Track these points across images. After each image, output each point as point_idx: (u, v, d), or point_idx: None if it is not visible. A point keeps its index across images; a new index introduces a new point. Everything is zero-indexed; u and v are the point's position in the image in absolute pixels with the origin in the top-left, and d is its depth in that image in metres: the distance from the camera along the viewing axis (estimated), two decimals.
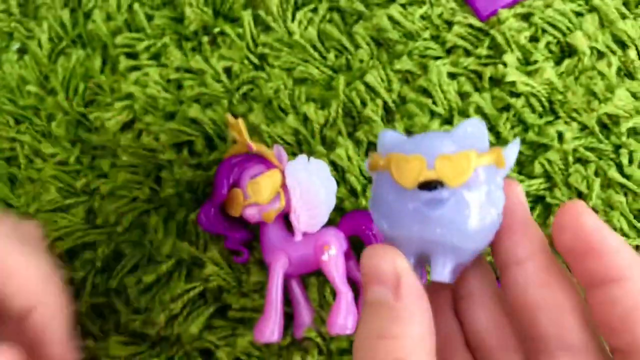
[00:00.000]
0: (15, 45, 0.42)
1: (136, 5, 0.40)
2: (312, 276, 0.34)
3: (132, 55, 0.40)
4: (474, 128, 0.19)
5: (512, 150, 0.20)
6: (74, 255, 0.36)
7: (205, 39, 0.39)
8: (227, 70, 0.38)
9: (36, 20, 0.42)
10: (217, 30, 0.39)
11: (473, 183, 0.18)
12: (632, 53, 0.35)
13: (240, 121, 0.34)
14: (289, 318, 0.33)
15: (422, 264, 0.20)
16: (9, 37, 0.42)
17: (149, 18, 0.40)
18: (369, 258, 0.19)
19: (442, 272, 0.19)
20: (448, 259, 0.19)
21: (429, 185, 0.18)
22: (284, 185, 0.33)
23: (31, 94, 0.40)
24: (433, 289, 0.22)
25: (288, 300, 0.33)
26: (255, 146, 0.34)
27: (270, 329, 0.31)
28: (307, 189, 0.33)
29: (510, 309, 0.20)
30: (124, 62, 0.39)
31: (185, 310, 0.34)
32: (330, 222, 0.33)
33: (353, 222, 0.33)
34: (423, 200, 0.19)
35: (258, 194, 0.32)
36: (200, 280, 0.34)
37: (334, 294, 0.33)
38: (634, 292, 0.17)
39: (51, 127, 0.39)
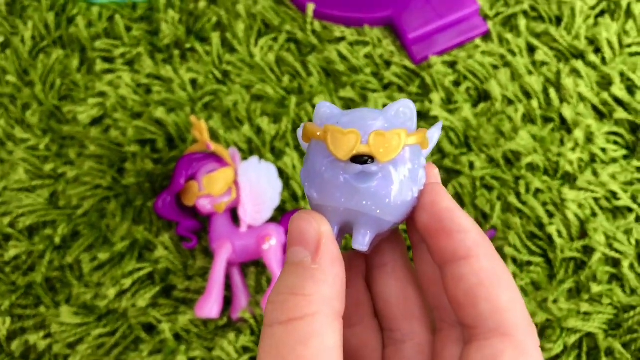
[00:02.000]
0: None
1: (117, 17, 0.45)
2: (252, 265, 0.38)
3: (108, 60, 0.44)
4: (405, 108, 0.20)
5: (436, 133, 0.21)
6: (34, 231, 0.40)
7: (176, 52, 0.44)
8: (193, 82, 0.43)
9: (22, 19, 0.46)
10: (188, 45, 0.44)
11: (400, 160, 0.20)
12: (535, 103, 0.42)
13: (203, 122, 0.38)
14: (228, 302, 0.37)
15: (343, 233, 0.21)
16: None
17: (128, 29, 0.45)
18: (296, 221, 0.19)
19: (362, 242, 0.20)
20: (369, 229, 0.20)
21: (361, 159, 0.19)
22: (235, 182, 0.38)
23: (10, 84, 0.44)
24: (349, 258, 0.23)
25: (228, 285, 0.38)
26: (214, 146, 0.39)
27: (210, 306, 0.36)
28: (256, 186, 0.38)
29: (419, 282, 0.22)
30: (100, 65, 0.44)
31: (135, 287, 0.38)
32: (272, 220, 0.38)
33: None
34: (353, 172, 0.20)
35: (212, 186, 0.37)
36: (150, 262, 0.38)
37: (269, 281, 0.38)
38: (479, 269, 0.18)
39: (25, 115, 0.42)
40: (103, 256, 0.38)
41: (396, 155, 0.19)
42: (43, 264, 0.38)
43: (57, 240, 0.39)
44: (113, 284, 0.38)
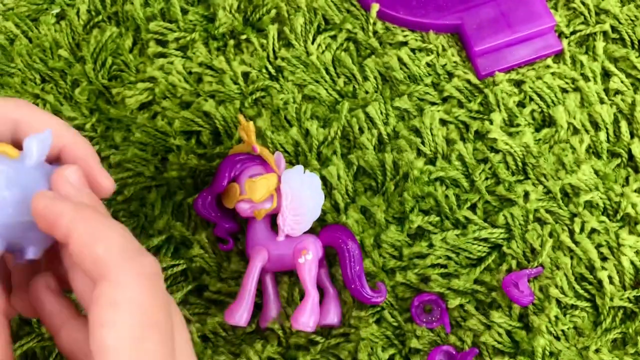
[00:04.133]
0: (55, 10, 0.45)
1: None
2: (285, 275, 0.38)
3: (162, 43, 0.43)
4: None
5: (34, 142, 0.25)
6: None
7: (231, 42, 0.42)
8: (245, 75, 0.42)
9: None
10: (243, 37, 0.42)
11: None
12: (602, 135, 0.39)
13: (251, 124, 0.37)
14: (258, 308, 0.37)
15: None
16: (50, 0, 0.45)
17: (184, 12, 0.44)
18: None
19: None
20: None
21: None
22: (277, 189, 0.37)
23: (61, 58, 0.43)
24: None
25: (260, 292, 0.37)
26: (260, 149, 0.37)
27: (240, 313, 0.35)
28: (298, 196, 0.36)
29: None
30: (152, 48, 0.43)
31: (167, 283, 0.37)
32: (312, 231, 0.37)
33: (332, 234, 0.37)
34: None
35: (254, 192, 0.36)
36: (185, 259, 0.38)
37: (302, 294, 0.37)
38: (75, 241, 0.22)
39: (74, 93, 0.42)
40: None
41: None
42: None
43: None
44: None
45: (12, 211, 0.24)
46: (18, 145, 0.27)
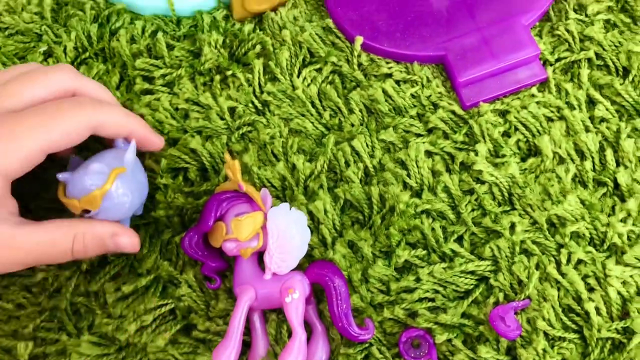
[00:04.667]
0: (43, 48, 0.45)
1: (160, 34, 0.44)
2: (273, 313, 0.38)
3: (148, 79, 0.43)
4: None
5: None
6: None
7: (217, 77, 0.43)
8: (232, 110, 0.42)
9: (65, 28, 0.45)
10: (229, 72, 0.43)
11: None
12: (588, 164, 0.39)
13: (237, 162, 0.37)
14: (246, 346, 0.37)
15: None
16: (38, 38, 0.45)
17: (170, 47, 0.44)
18: None
19: None
20: None
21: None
22: (264, 227, 0.37)
23: None
24: None
25: (248, 329, 0.37)
26: (245, 187, 0.38)
27: (228, 353, 0.35)
28: (284, 235, 0.37)
29: None
30: (139, 84, 0.43)
31: (155, 323, 0.38)
32: (299, 267, 0.37)
33: (318, 271, 0.37)
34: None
35: (239, 231, 0.36)
36: (173, 298, 0.38)
37: (290, 332, 0.37)
38: None
39: None
40: (127, 289, 0.38)
41: None
42: (69, 289, 0.39)
43: (84, 266, 0.39)
44: (134, 318, 0.37)
45: (129, 205, 0.35)
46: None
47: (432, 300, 0.38)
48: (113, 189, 0.34)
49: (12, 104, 0.33)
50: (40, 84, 0.34)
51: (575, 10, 0.43)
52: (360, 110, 0.42)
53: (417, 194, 0.40)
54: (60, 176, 0.35)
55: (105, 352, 0.37)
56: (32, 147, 0.32)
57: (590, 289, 0.37)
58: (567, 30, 0.42)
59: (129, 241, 0.36)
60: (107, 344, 0.37)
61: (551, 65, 0.42)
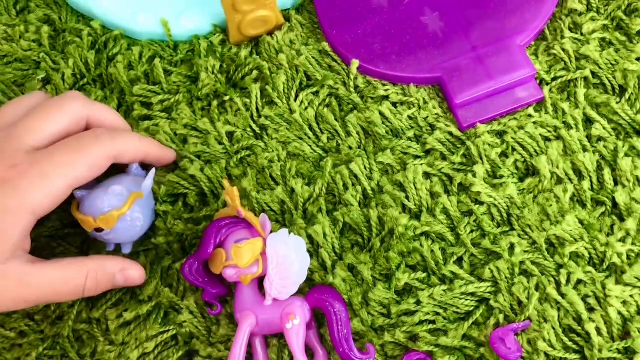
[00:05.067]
0: (41, 75, 0.45)
1: (157, 60, 0.44)
2: (275, 338, 0.38)
3: (146, 105, 0.44)
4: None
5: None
6: None
7: (215, 102, 0.43)
8: (230, 135, 0.42)
9: (63, 55, 0.45)
10: (227, 97, 0.43)
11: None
12: (586, 184, 0.39)
13: (235, 189, 0.38)
14: None
15: None
16: (36, 65, 0.46)
17: (167, 73, 0.44)
18: None
19: None
20: None
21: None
22: (263, 253, 0.37)
23: None
24: None
25: (250, 355, 0.37)
26: (244, 213, 0.38)
27: None
28: (284, 261, 0.37)
29: None
30: (138, 110, 0.43)
31: (157, 350, 0.38)
32: (300, 291, 0.37)
33: (319, 296, 0.37)
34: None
35: (239, 258, 0.36)
36: (174, 325, 0.38)
37: (292, 357, 0.37)
38: None
39: None
40: (128, 315, 0.38)
41: None
42: (71, 316, 0.39)
43: None
44: (136, 346, 0.38)
45: (139, 229, 0.38)
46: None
47: (433, 322, 0.38)
48: (129, 212, 0.37)
49: (35, 140, 0.35)
50: (58, 117, 0.36)
51: (570, 29, 0.43)
52: (358, 133, 0.42)
53: (416, 216, 0.40)
54: (78, 193, 0.37)
55: None
56: (61, 184, 0.34)
57: (591, 309, 0.37)
58: (563, 49, 0.43)
59: (137, 274, 0.38)
60: None
61: (547, 84, 0.42)
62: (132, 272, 0.37)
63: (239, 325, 0.36)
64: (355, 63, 0.42)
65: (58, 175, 0.34)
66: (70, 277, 0.35)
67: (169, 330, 0.38)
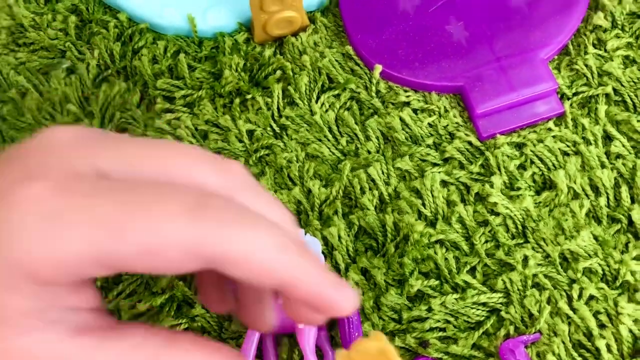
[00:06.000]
0: (66, 64, 0.46)
1: (182, 55, 0.44)
2: (285, 337, 0.38)
3: (169, 99, 0.44)
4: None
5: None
6: None
7: (237, 100, 0.43)
8: (250, 133, 0.43)
9: (89, 45, 0.46)
10: (249, 96, 0.43)
11: None
12: (602, 200, 0.39)
13: None
14: None
15: None
16: (61, 54, 0.46)
17: (191, 69, 0.45)
18: None
19: None
20: None
21: None
22: None
23: (70, 113, 0.44)
24: None
25: (260, 352, 0.38)
26: None
27: None
28: None
29: None
30: (160, 104, 0.43)
31: None
32: None
33: None
34: None
35: None
36: (187, 318, 0.38)
37: (302, 357, 0.37)
38: None
39: None
40: (142, 307, 0.38)
41: None
42: None
43: (99, 282, 0.39)
44: None
45: None
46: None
47: (443, 330, 0.38)
48: None
49: None
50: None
51: (594, 45, 0.43)
52: (377, 138, 0.42)
53: (432, 223, 0.40)
54: None
55: None
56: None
57: (602, 326, 0.37)
58: (586, 65, 0.43)
59: None
60: None
61: (568, 99, 0.42)
62: None
63: None
64: (378, 68, 0.42)
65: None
66: None
67: (181, 324, 0.38)
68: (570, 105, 0.42)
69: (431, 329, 0.38)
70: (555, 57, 0.44)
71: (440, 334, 0.38)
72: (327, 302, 0.22)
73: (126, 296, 0.39)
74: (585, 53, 0.43)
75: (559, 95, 0.42)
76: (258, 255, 0.20)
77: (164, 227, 0.20)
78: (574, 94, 0.43)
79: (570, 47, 0.44)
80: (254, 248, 0.20)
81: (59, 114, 0.44)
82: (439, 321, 0.38)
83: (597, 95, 0.42)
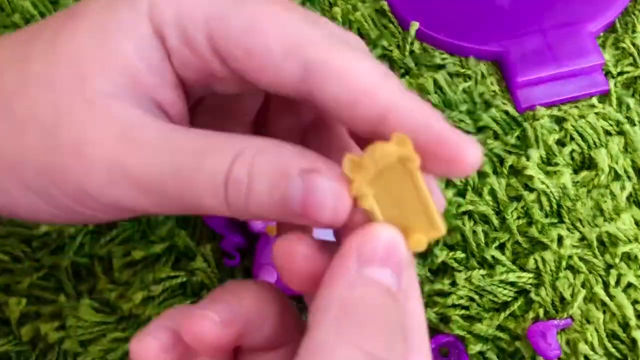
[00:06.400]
0: None
1: None
2: (292, 299, 0.35)
3: None
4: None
5: None
6: None
7: None
8: None
9: None
10: None
11: None
12: None
13: None
14: None
15: None
16: None
17: None
18: None
19: None
20: None
21: None
22: None
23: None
24: None
25: None
26: None
27: None
28: None
29: None
30: None
31: (163, 295, 0.34)
32: None
33: None
34: None
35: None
36: (186, 271, 0.35)
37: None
38: None
39: None
40: (137, 254, 0.35)
41: None
42: (72, 247, 0.35)
43: (91, 226, 0.36)
44: (141, 287, 0.34)
45: None
46: None
47: (467, 308, 0.34)
48: None
49: None
50: None
51: None
52: None
53: (460, 193, 0.37)
54: None
55: (104, 320, 0.34)
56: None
57: (639, 316, 0.34)
58: (633, 44, 0.40)
59: (332, 190, 0.18)
60: (108, 312, 0.34)
61: (613, 77, 0.40)
62: (324, 184, 0.18)
63: (257, 280, 0.33)
64: (415, 25, 0.39)
65: None
66: (205, 152, 0.19)
67: (178, 276, 0.35)
68: (615, 84, 0.40)
69: (453, 306, 0.34)
70: (601, 33, 0.41)
71: (463, 311, 0.34)
72: (450, 145, 0.18)
73: (120, 242, 0.36)
74: (634, 32, 0.41)
75: (604, 73, 0.40)
76: (362, 71, 0.19)
77: (272, 18, 0.19)
78: (619, 74, 0.40)
79: (618, 25, 0.41)
80: (358, 64, 0.19)
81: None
82: (462, 298, 0.34)
83: None
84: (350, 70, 0.18)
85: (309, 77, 0.19)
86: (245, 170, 0.18)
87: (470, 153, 0.18)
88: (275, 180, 0.18)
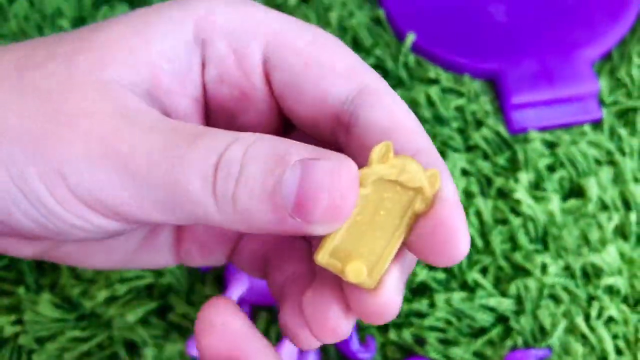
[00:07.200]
0: None
1: None
2: (264, 310, 0.33)
3: None
4: None
5: None
6: None
7: None
8: None
9: None
10: None
11: None
12: (633, 216, 0.36)
13: None
14: None
15: None
16: None
17: None
18: None
19: None
20: None
21: None
22: None
23: (61, 29, 0.39)
24: None
25: None
26: None
27: None
28: None
29: None
30: None
31: (128, 296, 0.33)
32: None
33: None
34: None
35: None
36: (153, 272, 0.33)
37: (278, 334, 0.32)
38: None
39: None
40: None
41: None
42: None
43: None
44: (106, 286, 0.32)
45: None
46: None
47: (444, 331, 0.33)
48: None
49: None
50: None
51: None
52: None
53: None
54: None
55: (64, 317, 0.32)
56: None
57: (618, 352, 0.33)
58: (628, 75, 0.40)
59: (330, 168, 0.16)
60: (69, 309, 0.32)
61: (606, 106, 0.39)
62: (324, 164, 0.16)
63: (228, 286, 0.32)
64: (411, 37, 0.39)
65: None
66: (202, 135, 0.17)
67: (145, 277, 0.33)
68: (608, 113, 0.39)
69: (431, 327, 0.33)
70: (598, 61, 0.40)
71: (440, 334, 0.33)
72: (447, 231, 0.17)
73: None
74: (630, 63, 0.40)
75: (598, 101, 0.39)
76: (397, 107, 0.20)
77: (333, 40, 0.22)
78: (613, 103, 0.39)
79: (615, 54, 0.41)
80: (395, 100, 0.21)
81: (48, 28, 0.39)
82: (439, 320, 0.33)
83: (637, 107, 0.39)
84: (400, 104, 0.20)
85: (361, 99, 0.20)
86: (241, 150, 0.17)
87: (460, 250, 0.18)
88: (271, 165, 0.16)
